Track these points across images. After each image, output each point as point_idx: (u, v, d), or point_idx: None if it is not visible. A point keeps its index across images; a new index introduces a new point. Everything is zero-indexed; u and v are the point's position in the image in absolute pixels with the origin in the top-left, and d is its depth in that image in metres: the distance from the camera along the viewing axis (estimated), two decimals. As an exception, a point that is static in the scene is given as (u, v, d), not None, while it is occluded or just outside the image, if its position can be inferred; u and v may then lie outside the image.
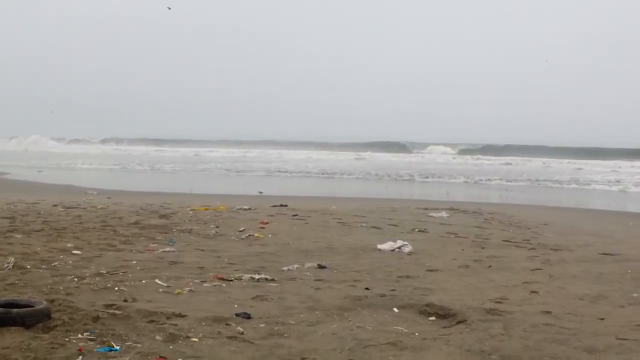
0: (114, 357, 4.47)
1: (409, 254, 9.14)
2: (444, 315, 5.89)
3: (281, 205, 15.07)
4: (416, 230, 11.71)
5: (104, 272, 7.25)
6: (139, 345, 4.75)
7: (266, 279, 7.15)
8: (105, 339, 4.82)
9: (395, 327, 5.48)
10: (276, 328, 5.34)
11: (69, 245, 8.97)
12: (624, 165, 46.38)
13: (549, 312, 5.95)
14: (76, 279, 6.84)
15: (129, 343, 4.78)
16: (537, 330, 5.38)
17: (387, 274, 7.66)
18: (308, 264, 8.05)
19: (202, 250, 9.02)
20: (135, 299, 6.07)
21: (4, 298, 5.58)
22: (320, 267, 7.96)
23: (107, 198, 16.70)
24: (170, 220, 12.12)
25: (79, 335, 4.89)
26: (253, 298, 6.30)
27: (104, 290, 6.41)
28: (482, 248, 9.87)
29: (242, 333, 5.16)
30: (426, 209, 15.50)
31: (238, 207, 14.46)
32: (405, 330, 5.40)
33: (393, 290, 6.77)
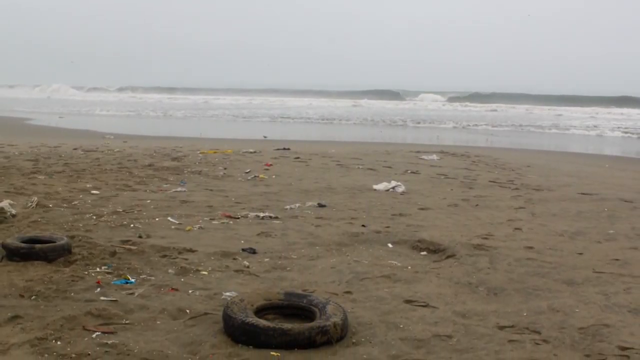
0: (130, 289, 4.43)
1: (402, 193, 9.07)
2: (435, 250, 5.86)
3: (284, 149, 14.96)
4: (409, 171, 11.63)
5: (121, 210, 7.20)
6: (153, 278, 4.72)
7: (270, 217, 7.10)
8: (121, 272, 4.79)
9: (389, 261, 5.45)
10: (279, 262, 5.31)
11: (88, 185, 8.90)
12: (601, 111, 46.11)
13: (531, 248, 5.92)
14: (95, 217, 6.78)
15: (143, 276, 4.75)
16: (521, 264, 5.34)
17: (382, 212, 7.60)
18: (309, 203, 7.99)
19: (211, 190, 8.95)
20: (149, 235, 6.03)
21: (28, 234, 5.54)
22: (320, 205, 7.90)
23: (123, 142, 16.57)
24: (181, 162, 12.03)
25: (97, 269, 4.86)
26: (258, 234, 6.26)
27: (121, 227, 6.37)
28: (470, 188, 9.79)
29: (248, 267, 5.13)
30: (418, 152, 15.40)
31: (244, 150, 14.36)
32: (399, 264, 5.37)
33: (387, 227, 6.72)
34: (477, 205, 8.29)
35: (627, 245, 6.19)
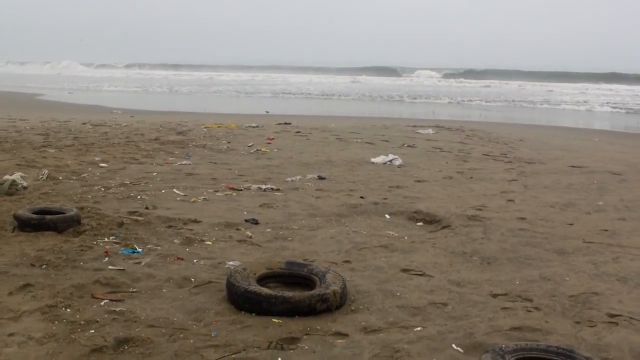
0: (137, 258, 4.41)
1: (399, 166, 9.02)
2: (430, 221, 5.82)
3: (285, 123, 14.85)
4: (405, 145, 11.55)
5: (128, 182, 7.15)
6: (159, 247, 4.69)
7: (272, 189, 7.05)
8: (129, 242, 4.76)
9: (387, 232, 5.41)
10: (281, 232, 5.28)
11: (96, 158, 8.83)
12: (591, 87, 45.78)
13: (523, 218, 5.88)
14: (103, 189, 6.74)
15: (150, 246, 4.72)
16: (513, 234, 5.31)
17: (379, 185, 7.56)
18: (309, 176, 7.94)
19: (215, 163, 8.89)
20: (156, 206, 5.98)
21: (39, 206, 5.50)
22: (320, 178, 7.85)
23: (131, 117, 16.45)
24: (186, 136, 11.95)
25: (106, 239, 4.83)
26: (260, 206, 6.22)
27: (128, 198, 6.32)
28: (464, 161, 9.74)
29: (250, 237, 5.10)
30: (414, 126, 15.29)
31: (247, 124, 14.26)
32: (396, 235, 5.33)
33: (385, 198, 6.68)
34: (471, 177, 8.24)
35: (616, 216, 6.15)
